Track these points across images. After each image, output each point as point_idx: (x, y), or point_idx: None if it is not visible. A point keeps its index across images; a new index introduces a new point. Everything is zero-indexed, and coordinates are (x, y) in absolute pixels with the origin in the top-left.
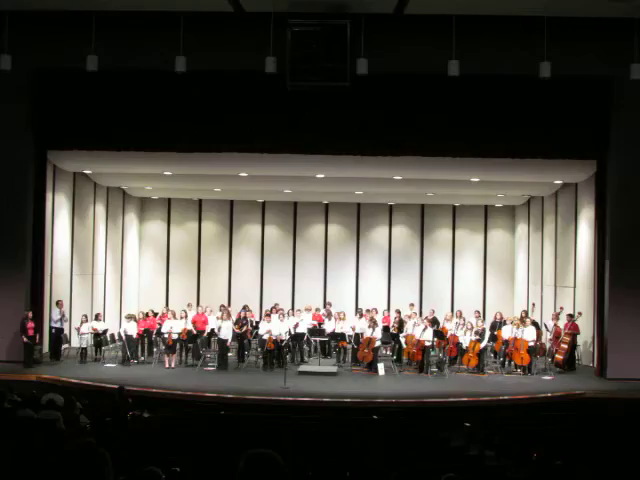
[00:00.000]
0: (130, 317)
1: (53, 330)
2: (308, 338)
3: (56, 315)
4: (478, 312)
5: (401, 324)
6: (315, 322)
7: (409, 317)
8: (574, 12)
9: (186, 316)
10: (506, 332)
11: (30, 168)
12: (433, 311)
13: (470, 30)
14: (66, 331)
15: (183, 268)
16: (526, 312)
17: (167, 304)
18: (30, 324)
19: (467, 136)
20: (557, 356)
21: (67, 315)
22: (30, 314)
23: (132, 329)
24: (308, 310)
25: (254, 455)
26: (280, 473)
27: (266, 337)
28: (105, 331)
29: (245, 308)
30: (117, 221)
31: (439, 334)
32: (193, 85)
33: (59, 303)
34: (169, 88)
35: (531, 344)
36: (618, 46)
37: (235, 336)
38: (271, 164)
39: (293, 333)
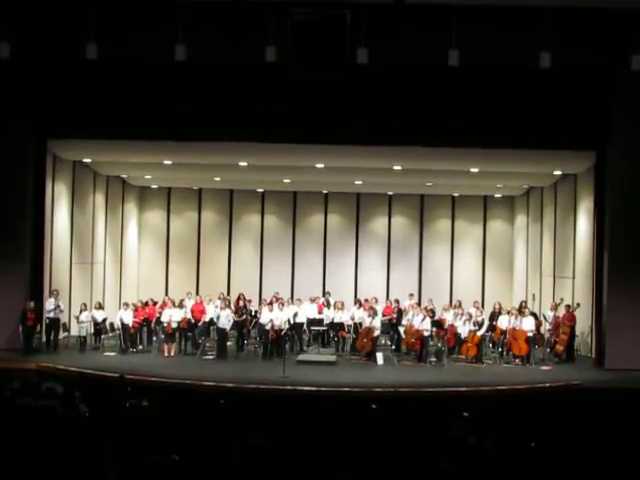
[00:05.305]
0: (127, 305)
1: (47, 320)
2: (307, 327)
3: (50, 305)
4: (477, 302)
5: (400, 314)
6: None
7: (412, 307)
8: (574, 2)
9: (181, 305)
10: (504, 322)
11: (30, 157)
12: (431, 300)
13: (470, 20)
14: (65, 320)
15: (183, 257)
16: (525, 302)
17: (166, 293)
18: (31, 314)
19: (466, 126)
20: (557, 346)
21: (64, 305)
22: (32, 304)
23: (128, 317)
24: (312, 300)
25: (249, 445)
26: (275, 462)
27: (269, 327)
28: (104, 320)
29: (240, 297)
30: (117, 210)
31: (437, 324)
32: (193, 74)
33: (53, 293)
34: (169, 77)
35: (530, 334)
36: (618, 36)
37: (234, 325)
38: (271, 154)
39: (292, 322)
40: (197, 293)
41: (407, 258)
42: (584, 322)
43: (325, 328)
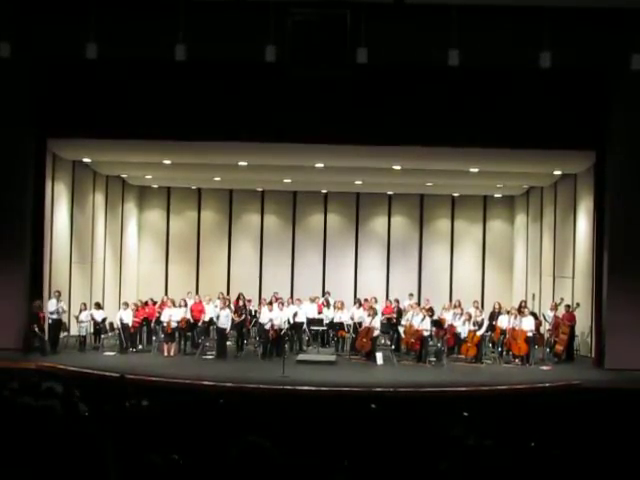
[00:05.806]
0: (126, 305)
1: (50, 320)
2: (307, 327)
3: (52, 306)
4: (477, 302)
5: (399, 313)
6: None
7: (412, 307)
8: (574, 2)
9: (185, 304)
10: (503, 322)
11: (30, 157)
12: (428, 301)
13: (470, 20)
14: (65, 319)
15: (182, 257)
16: (525, 302)
17: (166, 293)
18: (41, 314)
19: (466, 126)
20: (557, 346)
21: (65, 306)
22: (40, 303)
23: (128, 317)
24: (312, 300)
25: (248, 445)
26: (274, 462)
27: (268, 326)
28: (104, 319)
29: (240, 297)
30: (116, 210)
31: (437, 324)
32: (193, 74)
33: (55, 294)
34: (169, 77)
35: (529, 334)
36: (618, 36)
37: (234, 325)
38: (270, 153)
39: (292, 322)
40: (197, 293)
41: (407, 258)
42: (584, 322)
43: (325, 328)
